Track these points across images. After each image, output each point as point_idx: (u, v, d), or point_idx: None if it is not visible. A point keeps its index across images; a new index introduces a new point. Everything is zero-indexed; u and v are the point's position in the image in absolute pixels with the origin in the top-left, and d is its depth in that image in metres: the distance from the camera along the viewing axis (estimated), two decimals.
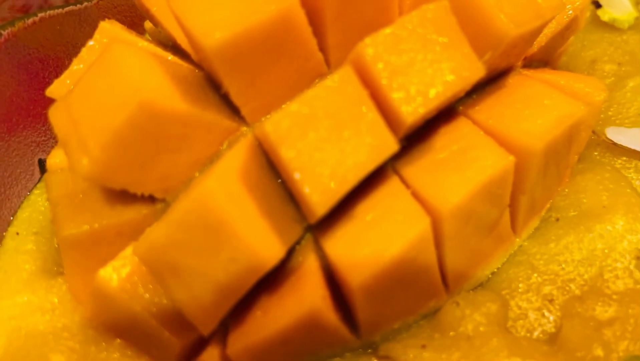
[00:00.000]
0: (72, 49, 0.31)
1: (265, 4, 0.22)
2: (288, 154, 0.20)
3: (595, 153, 0.31)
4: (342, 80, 0.21)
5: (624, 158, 0.30)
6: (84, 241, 0.24)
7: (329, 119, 0.21)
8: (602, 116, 0.32)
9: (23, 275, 0.25)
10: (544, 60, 0.33)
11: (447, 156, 0.25)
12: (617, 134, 0.31)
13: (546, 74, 0.30)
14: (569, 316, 0.24)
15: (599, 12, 0.36)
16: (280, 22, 0.22)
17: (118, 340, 0.23)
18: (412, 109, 0.21)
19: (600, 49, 0.35)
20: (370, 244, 0.22)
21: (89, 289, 0.24)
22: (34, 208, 0.28)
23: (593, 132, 0.31)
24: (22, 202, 0.28)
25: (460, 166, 0.24)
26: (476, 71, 0.22)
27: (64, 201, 0.24)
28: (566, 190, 0.29)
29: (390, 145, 0.21)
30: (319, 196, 0.21)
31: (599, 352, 0.23)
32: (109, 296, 0.22)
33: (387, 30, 0.22)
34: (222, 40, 0.21)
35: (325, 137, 0.21)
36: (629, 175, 0.29)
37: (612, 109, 0.32)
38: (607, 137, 0.31)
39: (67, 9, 0.30)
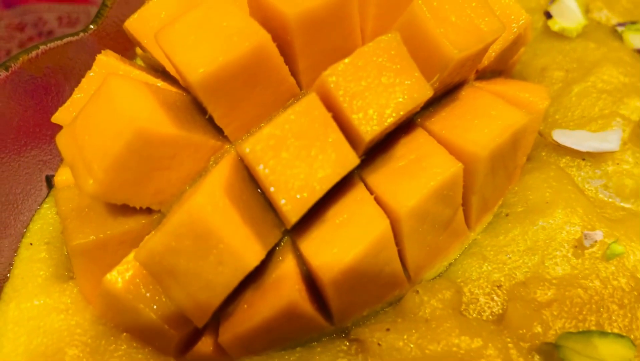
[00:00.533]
0: (72, 76, 0.34)
1: (241, 41, 0.25)
2: (264, 172, 0.24)
3: (543, 154, 0.34)
4: (308, 105, 0.25)
5: (568, 157, 0.34)
6: (91, 249, 0.27)
7: (298, 139, 0.24)
8: (549, 119, 0.36)
9: (38, 281, 0.29)
10: (498, 70, 0.37)
11: (405, 164, 0.28)
12: (562, 136, 0.34)
13: (497, 85, 0.33)
14: (514, 300, 0.27)
15: (549, 22, 0.40)
16: (255, 56, 0.25)
17: (125, 334, 0.27)
18: (370, 128, 0.25)
19: (550, 57, 0.38)
20: (339, 244, 0.25)
21: (97, 291, 0.27)
22: (45, 220, 0.31)
23: (541, 134, 0.35)
24: (33, 215, 0.32)
25: (416, 173, 0.27)
26: (424, 92, 0.26)
27: (72, 215, 0.28)
28: (516, 188, 0.33)
29: (351, 160, 0.25)
30: (292, 206, 0.24)
31: (539, 329, 0.26)
32: (115, 297, 0.26)
33: (347, 60, 0.25)
34: (205, 74, 0.24)
35: (295, 155, 0.24)
36: (572, 173, 0.33)
37: (558, 113, 0.35)
38: (553, 139, 0.34)
39: (65, 40, 0.33)
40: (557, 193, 0.31)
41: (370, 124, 0.25)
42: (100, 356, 0.26)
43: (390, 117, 0.25)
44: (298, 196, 0.24)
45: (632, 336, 0.26)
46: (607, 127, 0.33)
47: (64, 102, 0.33)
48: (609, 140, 0.33)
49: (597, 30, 0.40)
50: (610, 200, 0.31)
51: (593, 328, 0.26)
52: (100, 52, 0.33)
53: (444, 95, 0.31)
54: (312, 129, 0.24)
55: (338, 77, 0.25)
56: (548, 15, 0.40)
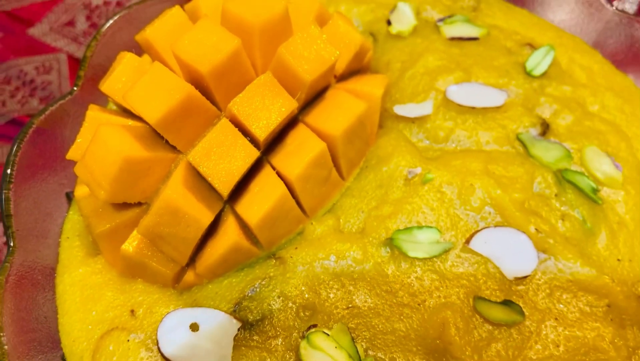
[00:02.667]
0: (68, 123, 0.48)
1: (176, 93, 0.39)
2: (203, 169, 0.39)
3: (389, 122, 0.49)
4: (223, 126, 0.39)
5: (403, 123, 0.49)
6: (109, 233, 0.42)
7: (220, 147, 0.39)
8: (392, 98, 0.51)
9: (78, 258, 0.43)
10: (356, 69, 0.52)
11: (293, 148, 0.43)
12: (399, 109, 0.49)
13: (350, 83, 0.48)
14: (370, 218, 0.43)
15: (389, 28, 0.55)
16: (186, 100, 0.39)
17: (139, 279, 0.42)
18: (262, 131, 0.40)
19: (391, 54, 0.53)
20: (257, 203, 0.41)
21: (117, 257, 0.42)
22: (72, 221, 0.46)
23: (386, 110, 0.50)
24: (64, 220, 0.46)
25: (299, 152, 0.42)
26: (291, 105, 0.41)
27: (92, 214, 0.43)
28: (372, 148, 0.48)
29: (254, 153, 0.40)
30: (223, 185, 0.39)
31: (383, 232, 0.42)
32: (130, 258, 0.41)
33: (241, 95, 0.40)
34: (159, 117, 0.39)
35: (219, 156, 0.39)
36: (406, 133, 0.48)
37: (398, 93, 0.51)
38: (394, 112, 0.50)
39: (59, 103, 0.47)
40: (395, 148, 0.47)
41: (263, 129, 0.40)
42: (127, 294, 0.41)
43: (272, 124, 0.40)
44: (225, 180, 0.39)
45: (438, 226, 0.42)
46: (426, 98, 0.49)
47: (65, 142, 0.48)
48: (426, 107, 0.48)
49: (424, 28, 0.55)
50: (429, 145, 0.47)
51: (414, 225, 0.42)
52: (83, 105, 0.47)
53: (315, 97, 0.47)
54: (227, 139, 0.39)
55: (238, 105, 0.40)
56: (389, 23, 0.55)
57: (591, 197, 0.43)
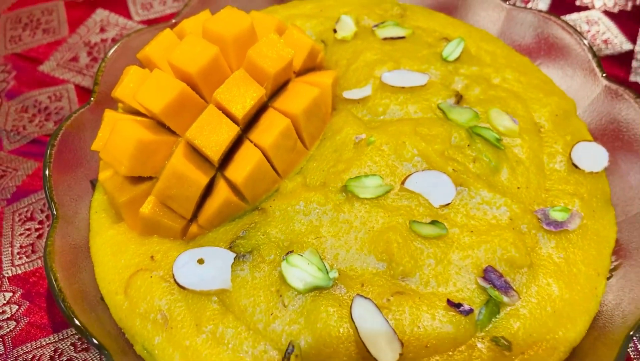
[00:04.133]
0: (88, 126, 0.60)
1: (173, 90, 0.51)
2: (197, 142, 0.50)
3: (340, 105, 0.61)
4: (210, 110, 0.51)
5: (351, 104, 0.61)
6: (128, 202, 0.53)
7: (208, 125, 0.51)
8: (342, 86, 0.62)
9: (105, 225, 0.54)
10: (311, 68, 0.64)
11: (265, 125, 0.55)
12: (348, 94, 0.61)
13: (308, 77, 0.60)
14: (330, 173, 0.55)
15: (336, 35, 0.67)
16: (180, 95, 0.51)
17: (154, 236, 0.53)
18: (239, 112, 0.51)
19: (339, 54, 0.65)
20: (241, 168, 0.52)
21: (136, 220, 0.53)
22: (99, 200, 0.57)
23: (337, 95, 0.63)
24: (91, 199, 0.58)
25: (270, 127, 0.54)
26: (260, 92, 0.53)
27: (114, 189, 0.54)
28: (328, 124, 0.60)
29: (235, 129, 0.52)
30: (214, 155, 0.51)
31: (339, 182, 0.54)
32: (147, 218, 0.52)
33: (222, 86, 0.52)
34: (161, 109, 0.51)
35: (208, 131, 0.50)
36: (354, 111, 0.60)
37: (345, 83, 0.62)
38: (344, 97, 0.62)
39: (81, 110, 0.59)
40: (345, 122, 0.58)
41: (239, 110, 0.51)
42: (146, 245, 0.52)
43: (247, 106, 0.52)
44: (214, 149, 0.51)
45: (380, 174, 0.54)
46: (366, 84, 0.61)
47: (86, 141, 0.59)
48: (367, 90, 0.61)
49: (363, 32, 0.67)
50: (371, 118, 0.59)
51: (363, 174, 0.54)
52: (96, 113, 0.59)
53: (280, 88, 0.58)
54: (214, 119, 0.51)
55: (220, 94, 0.51)
56: (335, 31, 0.68)
57: (495, 145, 0.55)
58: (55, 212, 0.50)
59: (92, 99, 0.59)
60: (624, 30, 0.87)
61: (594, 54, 0.58)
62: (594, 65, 0.58)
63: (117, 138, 0.50)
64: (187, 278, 0.47)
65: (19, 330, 0.60)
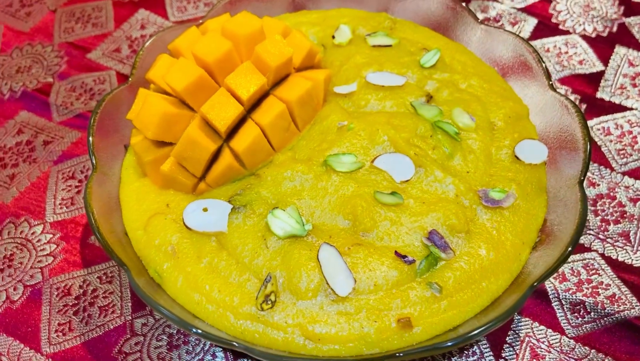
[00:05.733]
0: (125, 102, 0.73)
1: (193, 73, 0.64)
2: (209, 116, 0.63)
3: (330, 97, 0.72)
4: (221, 92, 0.64)
5: (340, 97, 0.73)
6: (152, 161, 0.66)
7: (219, 103, 0.63)
8: (334, 83, 0.75)
9: (133, 180, 0.67)
10: (310, 66, 0.76)
11: (265, 108, 0.67)
12: (337, 89, 0.72)
13: (304, 73, 0.72)
14: (314, 150, 0.67)
15: (333, 41, 0.80)
16: (199, 79, 0.64)
17: (171, 189, 0.66)
18: (244, 94, 0.64)
19: (334, 57, 0.77)
20: (242, 140, 0.65)
21: (157, 177, 0.66)
22: (129, 160, 0.69)
23: (328, 90, 0.75)
24: (122, 160, 0.71)
25: (270, 110, 0.66)
26: (262, 80, 0.65)
27: (142, 151, 0.67)
28: (319, 112, 0.72)
29: (241, 109, 0.64)
30: (222, 127, 0.63)
31: (321, 157, 0.66)
32: (165, 174, 0.65)
33: (233, 73, 0.65)
34: (182, 87, 0.64)
35: (218, 108, 0.63)
36: (341, 103, 0.72)
37: (337, 80, 0.74)
38: (334, 91, 0.74)
39: (120, 87, 0.72)
40: (333, 111, 0.70)
41: (244, 93, 0.64)
42: (163, 196, 0.65)
43: (251, 90, 0.64)
44: (222, 123, 0.63)
45: (355, 153, 0.66)
46: (353, 82, 0.73)
47: (122, 112, 0.73)
48: (353, 87, 0.73)
49: (357, 40, 0.79)
50: (354, 110, 0.71)
51: (341, 152, 0.66)
52: (132, 92, 0.72)
53: (281, 80, 0.71)
54: (223, 99, 0.63)
55: (230, 80, 0.64)
56: (333, 37, 0.80)
57: (453, 137, 0.67)
58: (94, 163, 0.63)
59: (130, 79, 0.73)
60: (598, 53, 0.98)
61: (548, 73, 0.69)
62: (546, 81, 0.69)
63: (147, 110, 0.63)
64: (193, 221, 0.60)
65: (55, 264, 0.74)
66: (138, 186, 0.66)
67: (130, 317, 0.68)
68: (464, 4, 0.78)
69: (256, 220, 0.60)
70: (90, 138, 0.65)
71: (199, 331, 0.49)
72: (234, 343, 0.49)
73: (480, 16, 1.06)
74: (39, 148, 0.87)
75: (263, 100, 0.67)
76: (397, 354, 0.48)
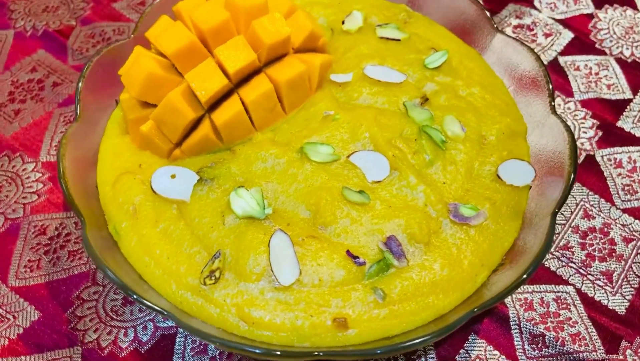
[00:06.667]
0: (125, 57, 0.75)
1: (184, 38, 0.64)
2: (192, 84, 0.63)
3: (325, 84, 0.70)
4: (208, 62, 0.64)
5: (334, 86, 0.71)
6: (135, 120, 0.67)
7: (205, 73, 0.63)
8: (333, 70, 0.73)
9: (115, 134, 0.68)
10: (311, 48, 0.75)
11: (253, 85, 0.67)
12: (333, 77, 0.71)
13: (302, 55, 0.71)
14: (294, 136, 0.67)
15: (343, 26, 0.79)
16: (189, 45, 0.64)
17: (148, 151, 0.67)
18: (231, 68, 0.64)
19: (340, 43, 0.75)
20: (224, 113, 0.65)
21: (137, 136, 0.67)
22: (117, 115, 0.71)
23: (324, 77, 0.74)
24: (111, 113, 0.72)
25: (256, 87, 0.66)
26: (252, 57, 0.64)
27: (128, 108, 0.68)
28: (310, 98, 0.71)
29: (227, 82, 0.64)
30: (202, 96, 0.63)
31: (298, 144, 0.65)
32: (144, 135, 0.66)
33: (223, 45, 0.64)
34: (172, 50, 0.64)
35: (202, 78, 0.63)
36: (334, 92, 0.70)
37: (336, 68, 0.72)
38: (330, 79, 0.73)
39: (120, 42, 0.73)
40: (323, 98, 0.68)
41: (231, 67, 0.64)
42: (139, 156, 0.66)
43: (239, 65, 0.63)
44: (204, 93, 0.63)
45: (333, 145, 0.65)
46: (350, 72, 0.72)
47: (119, 67, 0.74)
48: (348, 77, 0.71)
49: (366, 29, 0.77)
50: (345, 100, 0.70)
51: (319, 142, 0.65)
52: (134, 46, 0.73)
53: (277, 59, 0.70)
54: (209, 71, 0.63)
55: (220, 51, 0.64)
56: (343, 23, 0.79)
57: (438, 144, 0.65)
58: (78, 112, 0.65)
59: (132, 35, 0.73)
60: (630, 81, 0.93)
61: (552, 94, 0.66)
62: (549, 101, 0.66)
63: (135, 67, 0.63)
64: (159, 185, 0.61)
65: (38, 203, 0.77)
66: (118, 142, 0.67)
67: (94, 266, 0.70)
68: (486, 10, 0.75)
69: (219, 195, 0.60)
70: (80, 84, 0.66)
71: (134, 296, 0.50)
72: (164, 312, 0.50)
73: (514, 22, 1.02)
74: (47, 88, 0.90)
75: (254, 76, 0.67)
76: (316, 353, 0.48)
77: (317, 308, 0.54)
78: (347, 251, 0.56)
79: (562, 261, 0.73)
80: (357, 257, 0.56)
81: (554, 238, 0.74)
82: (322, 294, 0.55)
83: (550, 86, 0.67)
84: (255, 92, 0.64)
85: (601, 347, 0.66)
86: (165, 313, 0.50)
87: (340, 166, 0.62)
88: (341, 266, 0.56)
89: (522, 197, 0.63)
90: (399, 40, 0.75)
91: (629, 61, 0.95)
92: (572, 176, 0.58)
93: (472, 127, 0.67)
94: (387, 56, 0.72)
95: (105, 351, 0.64)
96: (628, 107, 0.89)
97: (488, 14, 0.74)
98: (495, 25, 0.74)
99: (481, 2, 0.78)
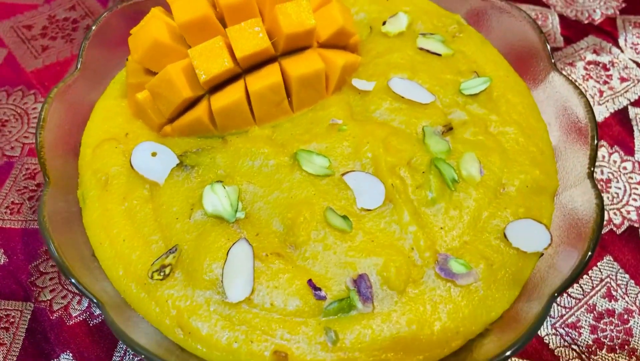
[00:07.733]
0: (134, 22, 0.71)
1: (197, 10, 0.59)
2: (194, 62, 0.58)
3: (345, 88, 0.64)
4: (216, 40, 0.59)
5: (353, 92, 0.65)
6: (134, 85, 0.63)
7: (210, 52, 0.59)
8: (357, 73, 0.66)
9: (114, 95, 0.65)
10: (340, 45, 0.68)
11: (263, 75, 0.61)
12: (355, 82, 0.65)
13: (326, 51, 0.64)
14: (293, 138, 0.61)
15: (382, 27, 0.71)
16: (203, 17, 0.59)
17: (140, 120, 0.64)
18: (239, 53, 0.58)
19: (374, 45, 0.68)
20: (222, 98, 0.60)
21: (133, 103, 0.64)
22: (120, 76, 0.69)
23: (346, 81, 0.67)
24: (115, 75, 0.69)
25: (264, 78, 0.61)
26: (265, 44, 0.59)
27: (131, 72, 0.64)
28: (324, 99, 0.65)
29: (235, 68, 0.59)
30: (200, 77, 0.59)
31: (294, 148, 0.60)
32: (139, 103, 0.62)
33: (236, 26, 0.59)
34: (182, 21, 0.59)
35: (206, 57, 0.58)
36: (351, 98, 0.62)
37: (362, 72, 0.65)
38: (351, 83, 0.66)
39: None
40: (337, 104, 0.62)
41: (239, 52, 0.59)
42: (129, 124, 0.62)
43: (249, 50, 0.58)
44: (203, 73, 0.59)
45: (330, 157, 0.59)
46: (374, 80, 0.65)
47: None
48: (370, 86, 0.64)
49: (408, 35, 0.68)
50: (360, 111, 0.63)
51: (317, 151, 0.59)
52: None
53: (296, 50, 0.64)
54: (215, 50, 0.58)
55: (232, 32, 0.59)
56: (384, 23, 0.71)
57: (447, 183, 0.58)
58: (78, 65, 0.62)
59: None
60: None
61: (594, 156, 0.57)
62: (588, 164, 0.57)
63: (143, 32, 0.59)
64: (138, 161, 0.57)
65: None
66: (114, 104, 0.64)
67: None
68: (547, 43, 0.66)
69: (194, 185, 0.56)
70: (87, 41, 0.63)
71: (72, 280, 0.47)
72: (94, 300, 0.47)
73: (590, 57, 0.91)
74: (80, 30, 0.88)
75: (266, 64, 0.61)
76: None
77: (260, 334, 0.49)
78: (309, 281, 0.51)
79: (565, 340, 0.65)
80: (319, 289, 0.51)
81: (563, 312, 0.65)
82: (269, 321, 0.50)
83: (595, 143, 0.58)
84: (261, 83, 0.59)
85: None
86: (95, 301, 0.47)
87: (331, 182, 0.57)
88: (299, 295, 0.51)
89: (527, 264, 0.55)
90: (440, 55, 0.67)
91: None
92: (590, 254, 0.50)
93: (493, 171, 0.59)
94: (420, 70, 0.65)
95: (55, 315, 0.62)
96: None
97: (549, 47, 0.65)
98: (553, 61, 0.64)
99: (558, 30, 0.68)
